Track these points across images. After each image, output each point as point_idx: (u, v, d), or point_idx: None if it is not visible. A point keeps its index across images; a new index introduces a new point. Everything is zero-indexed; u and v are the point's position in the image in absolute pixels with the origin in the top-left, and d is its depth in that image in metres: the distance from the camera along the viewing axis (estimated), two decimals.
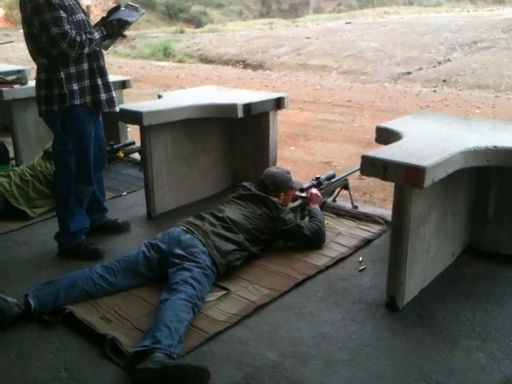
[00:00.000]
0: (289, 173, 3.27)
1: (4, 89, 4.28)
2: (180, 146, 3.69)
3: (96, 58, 2.89)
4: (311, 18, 27.00)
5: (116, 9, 2.94)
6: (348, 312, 2.45)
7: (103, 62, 2.96)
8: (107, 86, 2.95)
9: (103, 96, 2.91)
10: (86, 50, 2.76)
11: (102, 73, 2.92)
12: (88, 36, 2.74)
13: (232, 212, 2.93)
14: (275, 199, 3.05)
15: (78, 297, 2.47)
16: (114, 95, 3.02)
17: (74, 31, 2.68)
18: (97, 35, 2.79)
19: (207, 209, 3.18)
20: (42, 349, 2.21)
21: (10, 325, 2.30)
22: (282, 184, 3.15)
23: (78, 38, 2.68)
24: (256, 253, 2.91)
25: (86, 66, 2.83)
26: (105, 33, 2.85)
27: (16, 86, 4.34)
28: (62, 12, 2.65)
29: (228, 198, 3.15)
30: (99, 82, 2.89)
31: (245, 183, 3.19)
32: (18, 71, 5.09)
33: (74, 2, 2.80)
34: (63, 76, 2.75)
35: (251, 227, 2.90)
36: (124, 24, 2.89)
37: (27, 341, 2.26)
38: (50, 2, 2.63)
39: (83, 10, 2.90)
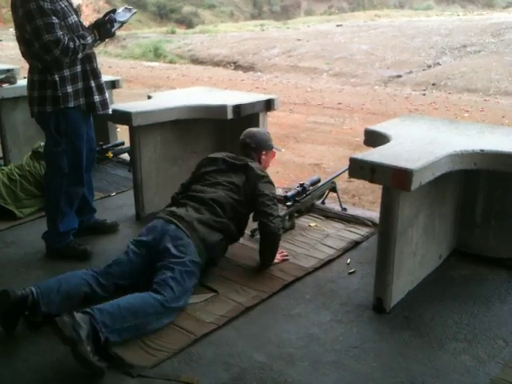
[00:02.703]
0: (269, 133, 3.20)
1: None
2: (170, 146, 3.68)
3: (89, 59, 2.88)
4: (302, 20, 27.08)
5: (112, 12, 2.92)
6: (335, 314, 2.46)
7: (96, 63, 2.94)
8: (100, 88, 2.94)
9: (97, 98, 2.90)
10: (80, 56, 2.76)
11: (95, 75, 2.91)
12: (82, 41, 2.73)
13: (215, 192, 2.79)
14: (255, 165, 2.91)
15: (79, 287, 2.42)
16: (107, 97, 3.01)
17: (67, 37, 2.66)
18: (89, 39, 2.78)
19: None
20: (29, 350, 2.20)
21: (13, 308, 2.25)
22: (263, 142, 3.05)
23: (72, 45, 2.67)
24: (237, 238, 2.91)
25: (79, 68, 2.82)
26: (97, 37, 2.83)
27: (5, 85, 4.31)
28: (54, 18, 2.63)
29: (206, 172, 2.94)
30: (92, 84, 2.88)
31: (222, 155, 2.99)
32: (8, 70, 5.05)
33: (67, 4, 2.78)
34: (57, 79, 2.74)
35: (236, 204, 2.79)
36: (114, 24, 2.88)
37: (13, 342, 2.25)
38: (41, 8, 2.61)
39: (75, 10, 2.88)
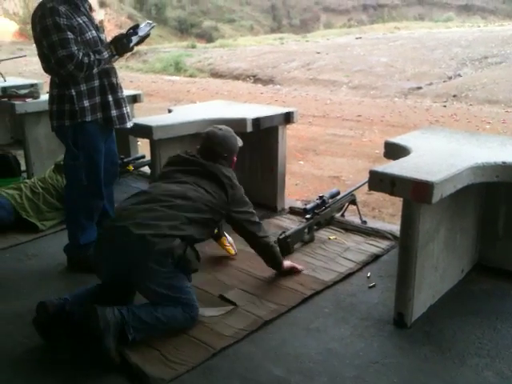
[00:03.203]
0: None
1: (16, 102, 4.34)
2: None
3: (107, 74, 2.92)
4: (322, 33, 27.17)
5: (135, 27, 2.94)
6: (355, 328, 2.44)
7: (115, 78, 2.98)
8: (118, 103, 2.97)
9: (114, 112, 2.94)
10: (95, 70, 2.80)
11: (113, 89, 2.95)
12: (97, 56, 2.76)
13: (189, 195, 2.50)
14: (228, 173, 2.67)
15: None
16: (126, 111, 3.04)
17: (81, 52, 2.70)
18: (106, 54, 2.81)
19: None
20: (53, 360, 2.22)
21: (52, 319, 2.26)
22: (234, 147, 2.80)
23: (86, 60, 2.71)
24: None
25: (96, 82, 2.86)
26: (114, 52, 2.86)
27: (28, 100, 4.40)
28: (69, 33, 2.68)
29: (171, 172, 2.68)
30: (110, 98, 2.92)
31: (181, 154, 2.75)
32: (31, 85, 5.17)
33: (86, 20, 2.83)
34: (74, 93, 2.79)
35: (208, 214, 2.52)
36: (132, 39, 2.90)
37: (36, 352, 2.27)
38: (57, 24, 2.66)
39: (96, 26, 2.93)
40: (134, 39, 2.89)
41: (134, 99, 4.87)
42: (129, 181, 4.70)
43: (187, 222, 2.41)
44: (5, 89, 5.19)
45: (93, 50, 2.78)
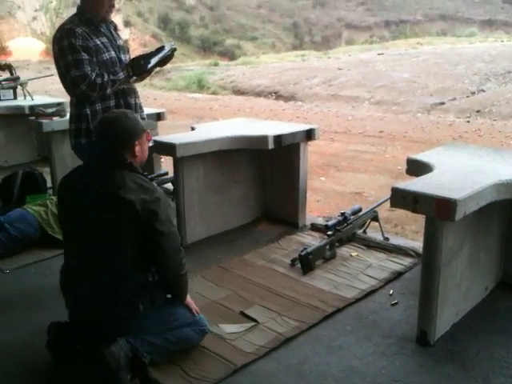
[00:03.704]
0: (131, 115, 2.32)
1: (44, 121, 4.45)
2: (212, 176, 3.75)
3: (124, 94, 2.94)
4: (343, 49, 27.22)
5: (160, 48, 2.96)
6: (378, 346, 2.42)
7: (134, 98, 3.00)
8: None
9: None
10: (109, 91, 2.82)
11: (130, 109, 2.94)
12: (111, 77, 2.79)
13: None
14: (141, 176, 2.18)
15: None
16: None
17: (94, 73, 2.75)
18: (121, 75, 2.84)
19: (238, 238, 3.17)
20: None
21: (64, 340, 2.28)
22: (132, 130, 2.21)
23: (99, 80, 2.75)
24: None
25: (112, 102, 2.90)
26: (131, 73, 2.87)
27: (55, 118, 4.50)
28: (83, 54, 2.74)
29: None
30: None
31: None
32: (58, 104, 5.29)
33: (105, 41, 2.88)
34: (89, 112, 2.84)
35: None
36: (151, 60, 2.89)
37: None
38: (72, 45, 2.73)
39: (118, 47, 2.97)
40: (153, 61, 2.90)
41: (158, 117, 4.94)
42: None
43: None
44: (32, 107, 5.33)
45: (108, 70, 2.82)
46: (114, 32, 3.00)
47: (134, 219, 2.06)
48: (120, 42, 3.02)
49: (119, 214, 2.07)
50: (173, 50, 2.97)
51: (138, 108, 3.04)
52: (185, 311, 2.35)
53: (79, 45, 2.75)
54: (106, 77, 2.79)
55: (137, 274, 2.17)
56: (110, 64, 2.86)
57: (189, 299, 2.41)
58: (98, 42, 2.84)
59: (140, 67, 2.89)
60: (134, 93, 3.03)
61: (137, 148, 2.22)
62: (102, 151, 2.22)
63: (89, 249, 2.17)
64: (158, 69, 3.07)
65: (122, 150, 2.18)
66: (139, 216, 2.05)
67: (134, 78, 2.95)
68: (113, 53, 2.91)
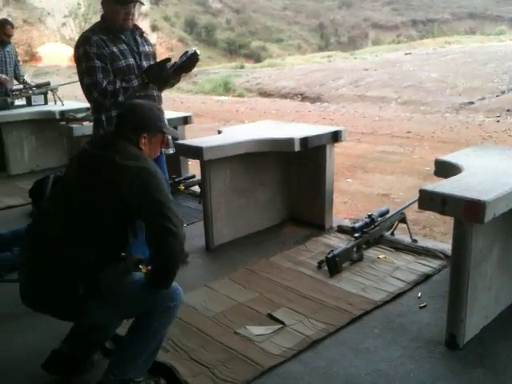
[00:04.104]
0: (160, 109, 2.36)
1: (74, 125, 4.55)
2: (238, 179, 3.77)
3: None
4: (370, 49, 27.02)
5: (184, 54, 2.95)
6: (406, 349, 2.40)
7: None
8: None
9: None
10: (121, 98, 2.81)
11: None
12: (123, 84, 2.81)
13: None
14: (133, 150, 2.05)
15: None
16: None
17: (106, 80, 2.78)
18: (135, 82, 2.84)
19: (265, 241, 3.15)
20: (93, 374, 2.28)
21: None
22: (144, 121, 2.14)
23: (110, 87, 2.78)
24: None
25: None
26: (145, 80, 2.87)
27: (85, 123, 4.59)
28: (97, 62, 2.78)
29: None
30: None
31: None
32: (87, 109, 5.39)
33: (124, 48, 2.89)
34: (104, 118, 2.89)
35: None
36: (165, 68, 2.86)
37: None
38: (87, 53, 2.79)
39: (142, 53, 2.96)
40: (168, 67, 2.86)
41: (185, 121, 5.00)
42: (179, 200, 4.81)
43: None
44: (63, 112, 5.46)
45: (123, 77, 2.83)
46: (139, 39, 3.02)
47: (127, 187, 1.92)
48: (145, 49, 3.03)
49: (112, 178, 1.94)
50: (193, 55, 2.91)
51: None
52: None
53: (93, 52, 2.79)
54: (117, 84, 2.81)
55: (97, 250, 1.96)
56: (126, 71, 2.88)
57: None
58: (115, 50, 2.86)
59: (154, 74, 2.87)
60: (155, 100, 2.99)
61: (143, 140, 2.12)
62: (114, 128, 2.20)
63: (64, 212, 2.00)
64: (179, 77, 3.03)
65: (129, 133, 2.10)
66: (133, 184, 1.92)
67: (151, 84, 2.92)
68: (131, 60, 2.92)
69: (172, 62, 2.92)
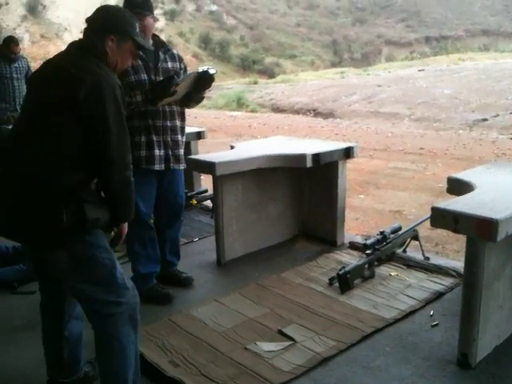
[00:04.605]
0: (133, 17, 2.10)
1: None
2: (250, 194, 3.79)
3: (153, 116, 2.94)
4: (383, 66, 27.11)
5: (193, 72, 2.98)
6: (417, 368, 2.38)
7: (154, 120, 2.96)
8: (150, 144, 2.96)
9: (143, 153, 2.95)
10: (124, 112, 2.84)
11: (148, 131, 2.95)
12: (126, 99, 2.82)
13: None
14: (104, 66, 1.93)
15: None
16: (160, 153, 3.00)
17: None
18: (139, 98, 2.85)
19: (276, 256, 3.15)
20: None
21: None
22: (109, 21, 1.99)
23: None
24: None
25: (137, 123, 2.91)
26: (150, 96, 2.87)
27: None
28: None
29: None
30: (142, 139, 2.94)
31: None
32: None
33: (138, 64, 2.90)
34: None
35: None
36: (170, 85, 2.86)
37: None
38: None
39: (160, 69, 2.98)
40: (173, 84, 2.85)
41: (199, 136, 5.04)
42: (192, 214, 4.83)
43: None
44: None
45: (128, 92, 2.80)
46: (162, 55, 3.03)
47: (80, 99, 1.79)
48: (167, 65, 3.03)
49: (67, 91, 1.80)
50: (203, 74, 2.92)
51: (167, 130, 3.02)
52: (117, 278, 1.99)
53: None
54: None
55: (71, 173, 1.84)
56: (135, 86, 2.89)
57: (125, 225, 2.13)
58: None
59: (158, 90, 2.87)
60: (158, 115, 2.98)
61: (109, 43, 1.95)
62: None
63: (24, 129, 1.91)
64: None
65: (94, 36, 1.96)
66: (87, 97, 1.79)
67: (157, 100, 2.91)
68: (143, 76, 2.93)
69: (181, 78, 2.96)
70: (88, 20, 2.01)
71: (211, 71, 2.96)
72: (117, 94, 1.87)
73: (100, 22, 1.98)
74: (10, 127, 2.17)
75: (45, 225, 1.82)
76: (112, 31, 1.96)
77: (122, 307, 1.96)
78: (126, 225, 2.13)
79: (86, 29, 1.99)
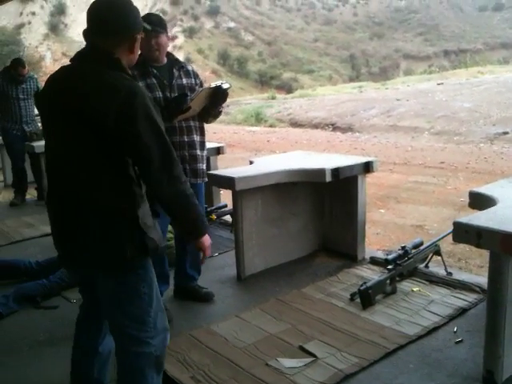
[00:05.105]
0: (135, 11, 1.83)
1: None
2: (269, 209, 3.79)
3: (168, 132, 2.96)
4: (401, 79, 27.06)
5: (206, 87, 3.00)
6: None
7: (180, 136, 2.99)
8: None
9: None
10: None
11: (174, 147, 2.99)
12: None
13: None
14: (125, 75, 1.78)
15: None
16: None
17: None
18: None
19: (296, 271, 3.14)
20: None
21: None
22: (120, 20, 1.76)
23: None
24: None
25: None
26: (165, 114, 2.82)
27: None
28: None
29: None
30: None
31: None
32: None
33: (152, 82, 2.91)
34: None
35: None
36: (182, 102, 2.89)
37: None
38: None
39: (174, 86, 2.98)
40: (187, 100, 2.88)
41: (218, 151, 5.08)
42: (212, 229, 4.84)
43: None
44: None
45: None
46: (176, 72, 3.04)
47: (99, 129, 1.70)
48: (182, 82, 3.04)
49: (81, 120, 1.70)
50: (217, 89, 2.93)
51: (185, 146, 3.03)
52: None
53: None
54: None
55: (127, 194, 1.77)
56: None
57: (206, 237, 1.96)
58: (142, 84, 2.83)
59: (173, 108, 2.89)
60: (180, 131, 3.00)
61: (136, 45, 1.83)
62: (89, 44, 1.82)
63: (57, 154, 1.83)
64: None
65: (104, 43, 1.76)
66: (106, 124, 1.68)
67: (171, 117, 2.92)
68: (157, 93, 2.93)
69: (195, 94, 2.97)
70: (93, 20, 1.78)
71: (224, 86, 2.97)
72: (149, 105, 1.76)
73: (120, 25, 1.76)
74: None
75: (107, 253, 1.78)
76: (122, 34, 1.78)
77: (150, 348, 1.91)
78: (205, 238, 1.95)
79: (92, 32, 1.80)
